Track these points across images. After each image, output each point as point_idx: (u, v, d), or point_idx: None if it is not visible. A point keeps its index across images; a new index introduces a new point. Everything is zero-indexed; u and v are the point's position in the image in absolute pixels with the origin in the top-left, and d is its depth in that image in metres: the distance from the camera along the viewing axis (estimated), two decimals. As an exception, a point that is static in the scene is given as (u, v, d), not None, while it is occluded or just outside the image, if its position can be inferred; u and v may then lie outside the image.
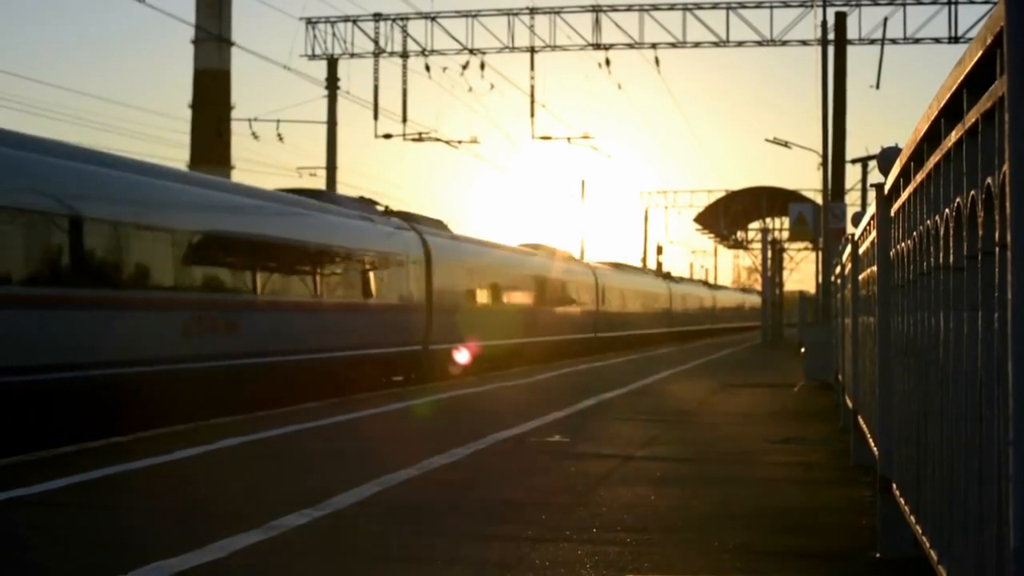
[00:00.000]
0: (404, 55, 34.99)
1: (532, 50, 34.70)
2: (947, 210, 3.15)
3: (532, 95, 36.99)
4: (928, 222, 3.59)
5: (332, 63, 34.63)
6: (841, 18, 28.35)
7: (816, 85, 26.36)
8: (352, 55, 35.04)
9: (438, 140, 36.32)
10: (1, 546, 5.96)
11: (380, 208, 23.80)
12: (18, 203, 12.22)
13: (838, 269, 12.92)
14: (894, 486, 5.06)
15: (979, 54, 2.44)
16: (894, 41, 31.65)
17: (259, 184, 20.93)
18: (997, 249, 2.39)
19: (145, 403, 13.64)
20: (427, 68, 34.90)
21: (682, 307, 60.83)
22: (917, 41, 31.73)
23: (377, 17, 35.17)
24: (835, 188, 27.46)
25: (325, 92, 34.37)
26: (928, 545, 3.68)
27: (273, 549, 5.75)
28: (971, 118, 2.68)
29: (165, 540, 5.84)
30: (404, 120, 35.61)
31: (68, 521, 6.53)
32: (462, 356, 24.95)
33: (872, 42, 31.82)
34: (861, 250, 7.81)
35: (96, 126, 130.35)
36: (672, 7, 33.33)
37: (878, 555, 5.57)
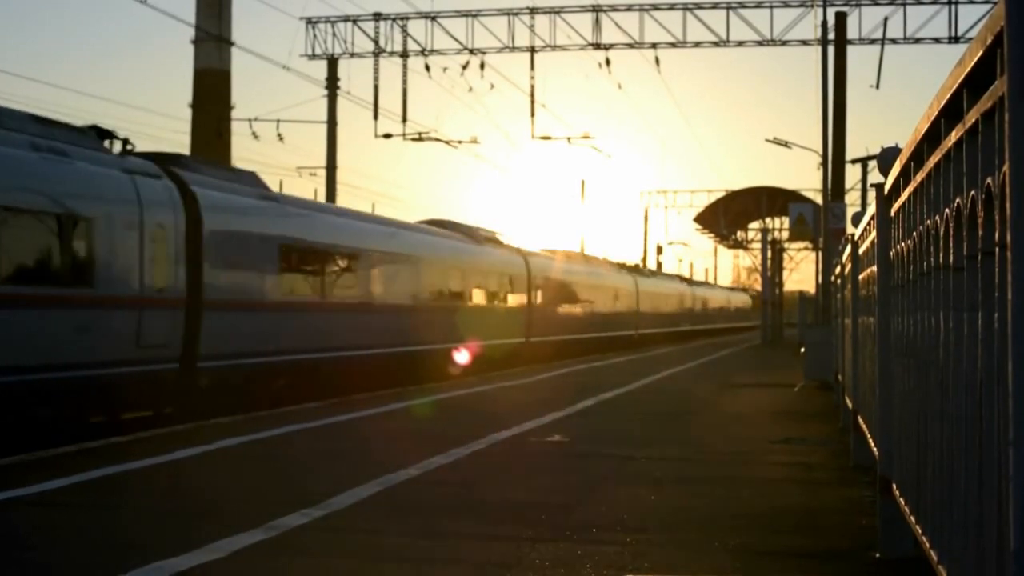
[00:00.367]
0: (404, 55, 34.99)
1: (532, 50, 34.70)
2: (947, 210, 3.15)
3: (532, 95, 37.00)
4: (928, 222, 3.59)
5: (332, 63, 34.64)
6: (841, 18, 28.34)
7: (816, 85, 26.40)
8: (352, 55, 35.05)
9: (438, 140, 36.32)
10: (1, 546, 5.96)
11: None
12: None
13: (838, 269, 12.92)
14: (894, 486, 5.06)
15: (979, 54, 2.44)
16: (894, 41, 31.65)
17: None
18: (997, 249, 2.39)
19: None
20: (427, 68, 34.90)
21: (652, 306, 52.31)
22: (917, 41, 31.73)
23: (377, 17, 35.17)
24: (835, 188, 27.45)
25: (325, 92, 34.38)
26: (928, 545, 3.68)
27: (273, 549, 5.75)
28: (971, 118, 2.68)
29: (165, 540, 5.84)
30: (404, 120, 35.62)
31: (68, 521, 6.53)
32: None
33: (872, 42, 31.83)
34: (861, 250, 7.81)
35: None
36: (672, 7, 33.33)
37: (878, 555, 5.57)
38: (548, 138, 42.58)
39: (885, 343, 5.45)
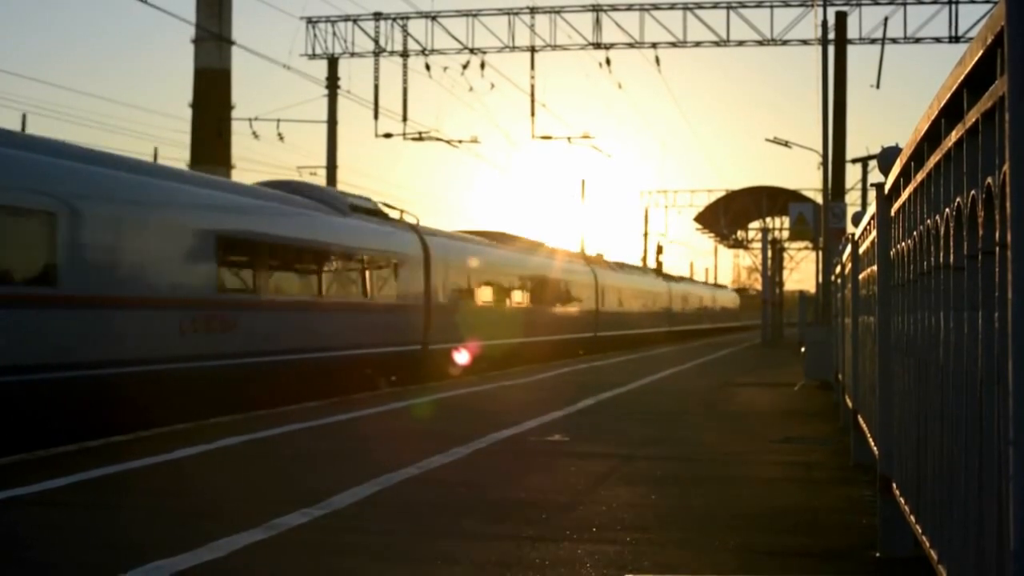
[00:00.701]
0: (404, 54, 34.99)
1: (532, 50, 34.70)
2: (947, 210, 3.15)
3: (532, 95, 37.01)
4: (928, 222, 3.59)
5: (332, 62, 34.63)
6: (841, 18, 28.34)
7: (816, 85, 26.44)
8: (352, 54, 35.05)
9: (438, 140, 36.32)
10: (1, 545, 5.96)
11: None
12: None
13: (838, 269, 12.92)
14: (894, 486, 5.06)
15: (979, 54, 2.44)
16: (894, 41, 31.65)
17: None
18: (997, 249, 2.39)
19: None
20: (427, 67, 34.90)
21: (618, 304, 44.23)
22: (917, 41, 31.73)
23: (377, 16, 35.17)
24: (835, 188, 27.46)
25: (325, 91, 34.38)
26: (928, 545, 3.68)
27: (273, 549, 5.75)
28: (971, 118, 2.68)
29: (165, 540, 5.84)
30: (404, 119, 35.62)
31: (68, 520, 6.53)
32: None
33: (872, 42, 31.82)
34: (861, 250, 7.81)
35: (96, 126, 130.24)
36: (672, 7, 33.33)
37: (878, 555, 5.57)
38: (548, 138, 42.58)
39: (885, 342, 5.45)
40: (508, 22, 34.22)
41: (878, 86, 31.41)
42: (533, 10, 35.31)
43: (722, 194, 59.98)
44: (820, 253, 32.35)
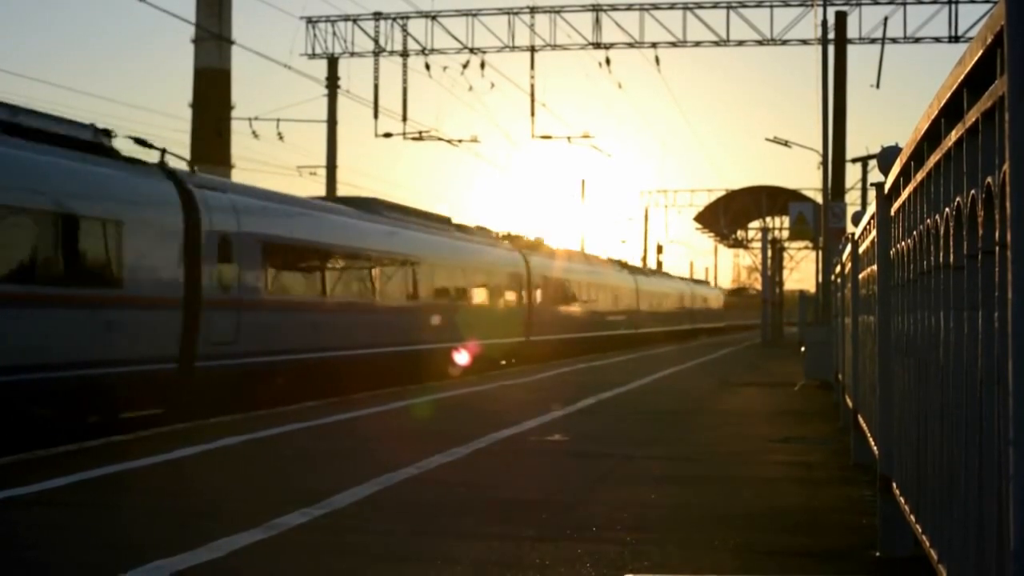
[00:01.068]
0: (404, 54, 34.99)
1: (532, 49, 34.70)
2: (947, 209, 3.15)
3: (532, 94, 36.99)
4: (928, 221, 3.59)
5: (332, 62, 34.63)
6: (841, 17, 28.33)
7: (816, 85, 26.43)
8: (352, 54, 35.05)
9: (438, 139, 36.32)
10: (1, 545, 5.96)
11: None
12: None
13: (838, 268, 12.92)
14: (894, 485, 5.06)
15: (979, 54, 2.44)
16: (894, 41, 31.64)
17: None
18: (997, 248, 2.39)
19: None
20: (427, 67, 34.90)
21: (558, 302, 35.31)
22: (917, 41, 31.73)
23: (377, 16, 35.17)
24: (835, 187, 27.45)
25: (325, 91, 34.38)
26: (928, 545, 3.68)
27: (273, 549, 5.75)
28: (971, 118, 2.68)
29: (165, 539, 5.84)
30: (404, 119, 35.62)
31: (68, 520, 6.53)
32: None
33: (872, 41, 31.82)
34: (861, 249, 7.81)
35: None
36: (672, 6, 33.33)
37: (878, 554, 5.57)
38: (548, 137, 42.59)
39: (885, 342, 5.45)
40: (508, 22, 34.24)
41: (878, 86, 31.42)
42: (533, 10, 35.38)
43: (722, 194, 59.98)
44: (820, 253, 32.35)
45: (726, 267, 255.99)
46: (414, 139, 36.01)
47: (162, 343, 14.58)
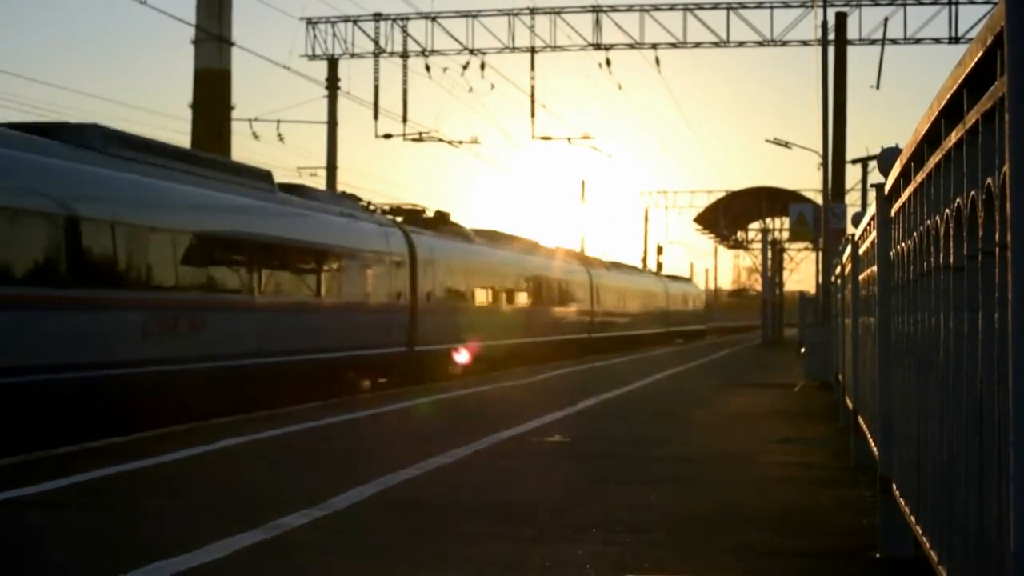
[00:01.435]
0: (404, 55, 35.00)
1: (532, 50, 34.71)
2: (947, 210, 3.15)
3: (532, 95, 36.99)
4: (928, 222, 3.59)
5: (332, 63, 34.65)
6: (841, 18, 28.33)
7: (816, 85, 26.35)
8: (352, 55, 35.06)
9: (439, 140, 36.33)
10: (1, 546, 5.96)
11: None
12: None
13: (838, 269, 12.92)
14: (894, 486, 5.06)
15: (979, 54, 2.44)
16: (894, 41, 31.65)
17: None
18: (997, 249, 2.39)
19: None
20: (427, 68, 34.91)
21: (462, 302, 26.75)
22: (917, 41, 31.73)
23: (377, 17, 35.17)
24: (835, 188, 27.44)
25: (325, 92, 34.39)
26: (928, 545, 3.68)
27: (273, 549, 5.75)
28: (971, 118, 2.68)
29: (165, 540, 5.83)
30: (404, 120, 35.62)
31: (68, 521, 6.53)
32: None
33: (872, 42, 31.82)
34: (861, 250, 7.81)
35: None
36: (672, 7, 33.33)
37: (878, 555, 5.57)
38: (548, 138, 42.60)
39: (885, 343, 5.45)
40: (508, 23, 34.25)
41: (878, 87, 31.40)
42: (533, 11, 35.33)
43: (722, 194, 59.96)
44: (820, 254, 32.34)
45: (726, 268, 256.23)
46: (414, 140, 36.03)
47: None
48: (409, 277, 22.96)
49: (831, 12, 29.13)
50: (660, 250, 75.71)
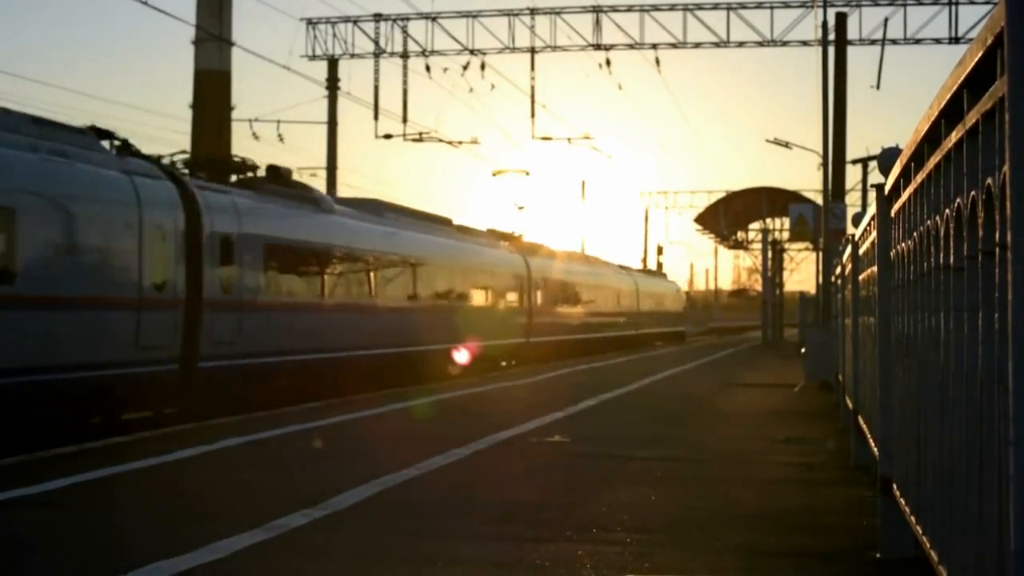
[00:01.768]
0: (404, 55, 35.00)
1: (532, 50, 34.71)
2: (947, 210, 3.16)
3: (532, 95, 37.00)
4: (928, 222, 3.59)
5: (332, 63, 34.66)
6: (841, 18, 28.32)
7: (816, 85, 26.32)
8: (352, 55, 35.07)
9: (439, 140, 36.32)
10: (1, 546, 5.96)
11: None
12: None
13: (838, 270, 12.92)
14: (894, 486, 5.06)
15: (979, 54, 2.44)
16: (894, 41, 31.66)
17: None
18: (997, 249, 2.39)
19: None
20: (427, 68, 34.91)
21: (360, 296, 20.49)
22: (917, 41, 31.73)
23: (377, 17, 35.18)
24: (835, 188, 27.43)
25: (325, 92, 34.40)
26: (928, 545, 3.68)
27: (274, 549, 5.75)
28: (971, 118, 2.68)
29: (165, 540, 5.83)
30: (404, 120, 35.62)
31: (68, 521, 6.53)
32: None
33: (872, 42, 31.83)
34: (861, 250, 7.81)
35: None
36: (673, 7, 33.33)
37: (878, 555, 5.57)
38: (548, 138, 42.59)
39: (885, 343, 5.45)
40: (508, 23, 34.25)
41: (878, 87, 31.42)
42: (533, 11, 35.31)
43: (722, 195, 59.93)
44: (820, 254, 32.34)
45: (726, 268, 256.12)
46: (414, 140, 36.02)
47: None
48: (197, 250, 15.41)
49: (831, 12, 29.15)
50: (660, 250, 75.71)
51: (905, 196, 4.34)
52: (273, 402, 15.07)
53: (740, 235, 63.05)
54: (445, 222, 27.13)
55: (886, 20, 31.41)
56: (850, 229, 11.51)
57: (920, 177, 3.78)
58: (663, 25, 33.60)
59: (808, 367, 19.97)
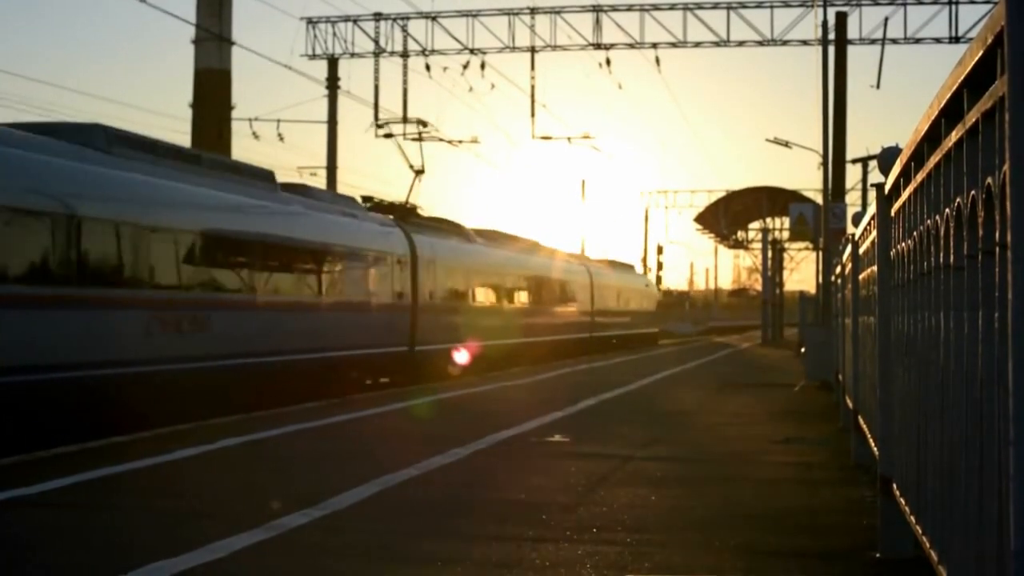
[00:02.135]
0: (404, 55, 35.02)
1: (532, 50, 34.73)
2: (947, 210, 3.15)
3: (532, 95, 37.03)
4: (928, 222, 3.59)
5: (332, 63, 34.66)
6: (841, 18, 28.31)
7: (816, 85, 26.34)
8: (352, 55, 35.09)
9: (439, 139, 36.31)
10: (1, 546, 5.96)
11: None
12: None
13: (838, 269, 12.92)
14: (894, 486, 5.06)
15: (979, 54, 2.44)
16: (894, 41, 31.67)
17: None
18: (997, 249, 2.39)
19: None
20: (427, 68, 34.93)
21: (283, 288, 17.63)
22: (917, 41, 31.75)
23: (378, 17, 35.18)
24: (835, 188, 27.43)
25: (325, 92, 34.40)
26: (928, 545, 3.68)
27: (274, 549, 5.75)
28: (971, 118, 2.68)
29: (165, 540, 5.83)
30: (404, 120, 35.57)
31: (68, 521, 6.52)
32: None
33: (872, 42, 31.84)
34: (861, 250, 7.81)
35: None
36: (673, 7, 33.34)
37: (878, 555, 5.57)
38: (548, 138, 42.63)
39: (885, 343, 5.45)
40: (508, 22, 34.28)
41: (878, 86, 31.42)
42: (533, 10, 35.42)
43: (722, 194, 59.99)
44: (820, 254, 32.34)
45: (726, 268, 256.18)
46: (414, 139, 36.01)
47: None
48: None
49: (831, 12, 29.14)
50: (660, 250, 75.62)
51: (905, 195, 4.33)
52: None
53: (740, 234, 63.13)
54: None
55: (886, 20, 31.45)
56: (850, 228, 11.51)
57: (920, 176, 3.78)
58: (663, 24, 33.65)
59: (808, 367, 19.97)
